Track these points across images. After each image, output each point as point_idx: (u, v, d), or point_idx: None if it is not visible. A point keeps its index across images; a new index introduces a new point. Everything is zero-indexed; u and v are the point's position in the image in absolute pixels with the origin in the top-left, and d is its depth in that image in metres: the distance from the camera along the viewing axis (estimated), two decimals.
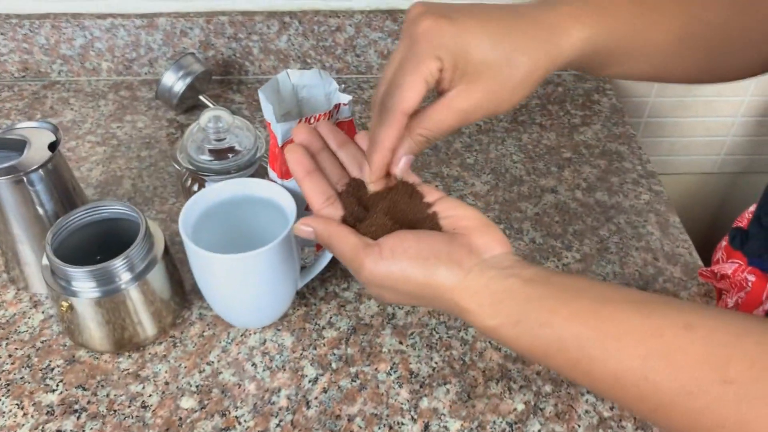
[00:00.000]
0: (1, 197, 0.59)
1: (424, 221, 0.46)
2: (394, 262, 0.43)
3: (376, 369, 0.59)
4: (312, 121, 0.57)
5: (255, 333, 0.62)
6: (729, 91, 1.00)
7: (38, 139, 0.61)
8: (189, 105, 0.87)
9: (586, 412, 0.56)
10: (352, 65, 0.93)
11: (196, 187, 0.66)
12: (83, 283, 0.55)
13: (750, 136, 1.07)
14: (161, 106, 0.88)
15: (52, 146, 0.60)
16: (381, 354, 0.60)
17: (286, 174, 0.60)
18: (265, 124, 0.61)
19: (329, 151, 0.50)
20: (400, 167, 0.47)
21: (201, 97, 0.86)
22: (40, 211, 0.61)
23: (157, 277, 0.59)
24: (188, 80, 0.83)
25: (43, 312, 0.64)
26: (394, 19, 0.88)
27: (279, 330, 0.62)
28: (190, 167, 0.63)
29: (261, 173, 0.66)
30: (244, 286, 0.57)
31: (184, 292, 0.65)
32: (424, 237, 0.44)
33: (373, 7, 0.89)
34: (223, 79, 0.93)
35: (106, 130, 0.84)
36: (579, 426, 0.55)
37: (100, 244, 0.61)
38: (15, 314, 0.63)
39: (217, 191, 0.60)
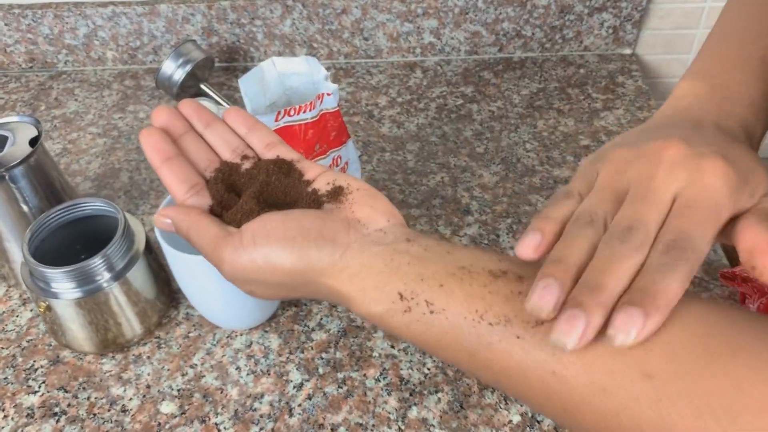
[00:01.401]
0: None
1: (302, 201, 0.41)
2: (256, 249, 0.37)
3: (364, 375, 0.56)
4: (292, 113, 0.53)
5: (241, 335, 0.59)
6: None
7: (20, 134, 0.59)
8: (191, 94, 0.84)
9: None
10: (361, 49, 0.89)
11: None
12: (62, 283, 0.54)
13: None
14: (164, 95, 0.86)
15: (34, 141, 0.59)
16: (371, 359, 0.57)
17: None
18: None
19: (195, 134, 0.44)
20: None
21: (202, 86, 0.83)
22: (25, 208, 0.60)
23: (139, 275, 0.56)
24: (188, 68, 0.80)
25: (31, 310, 0.63)
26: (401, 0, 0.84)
27: (266, 332, 0.59)
28: None
29: None
30: (226, 289, 0.55)
31: (170, 290, 0.62)
32: (292, 216, 0.38)
33: None
34: (228, 66, 0.90)
35: (107, 121, 0.83)
36: None
37: (82, 242, 0.60)
38: (3, 312, 0.62)
39: None
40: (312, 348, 0.58)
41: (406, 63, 0.90)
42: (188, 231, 0.40)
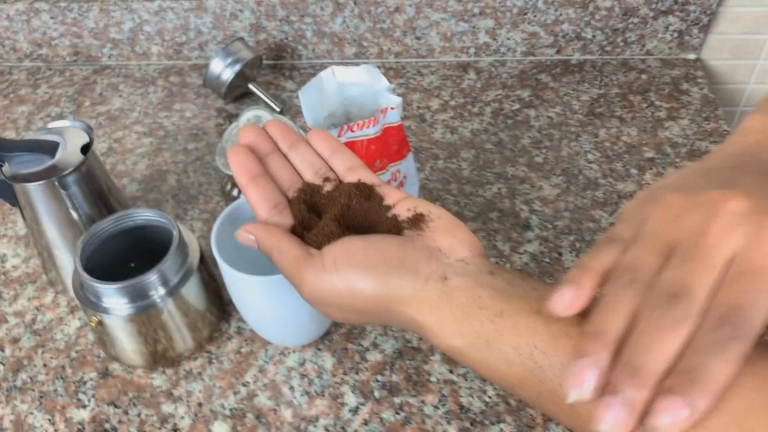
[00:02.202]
0: (35, 201, 0.57)
1: (382, 225, 0.40)
2: (337, 274, 0.37)
3: (422, 401, 0.54)
4: (355, 129, 0.51)
5: (294, 352, 0.57)
6: None
7: (71, 140, 0.58)
8: (239, 93, 0.82)
9: None
10: (413, 48, 0.86)
11: (236, 192, 0.62)
12: (114, 298, 0.52)
13: None
14: (210, 93, 0.84)
15: (86, 148, 0.57)
16: (429, 384, 0.55)
17: None
18: (307, 130, 0.56)
19: (280, 154, 0.44)
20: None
21: (251, 86, 0.81)
22: (74, 215, 0.58)
23: (193, 289, 0.55)
24: (237, 67, 0.78)
25: (79, 318, 0.61)
26: None
27: (320, 350, 0.57)
28: (230, 173, 0.59)
29: None
30: (282, 307, 0.53)
31: (221, 302, 0.61)
32: (374, 242, 0.38)
33: None
34: (275, 64, 0.88)
35: (153, 120, 0.81)
36: None
37: (133, 251, 0.58)
38: (52, 320, 0.61)
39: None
40: (367, 369, 0.56)
41: (459, 63, 0.87)
42: (270, 249, 0.40)
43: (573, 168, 0.72)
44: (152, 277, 0.52)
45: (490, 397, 0.53)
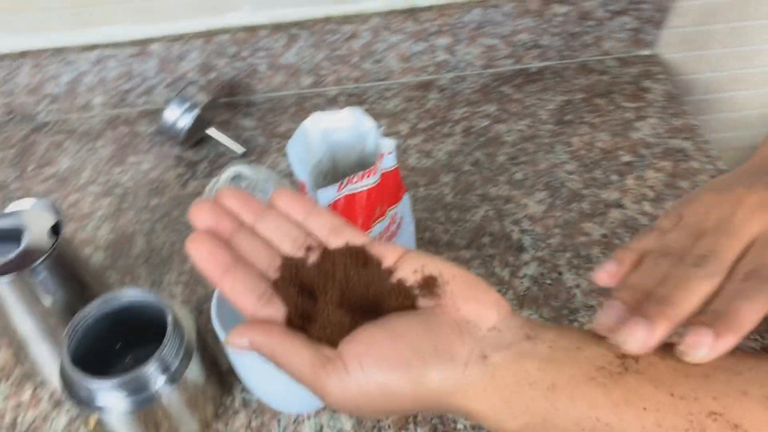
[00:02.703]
0: (3, 296, 0.51)
1: (391, 298, 0.36)
2: (366, 377, 0.32)
3: None
4: (355, 180, 0.48)
5: (308, 418, 0.54)
6: None
7: (36, 222, 0.52)
8: (197, 139, 0.77)
9: None
10: (372, 72, 0.84)
11: None
12: (110, 394, 0.48)
13: None
14: (164, 141, 0.79)
15: (55, 228, 0.52)
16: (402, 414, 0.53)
17: None
18: (299, 185, 0.53)
19: (246, 229, 0.37)
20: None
21: (209, 132, 0.77)
22: (48, 303, 0.53)
23: (194, 370, 0.51)
24: (193, 113, 0.73)
25: (67, 411, 0.56)
26: (415, 19, 0.78)
27: (334, 412, 0.54)
28: None
29: None
30: (294, 383, 0.50)
31: (220, 372, 0.57)
32: (398, 331, 0.34)
33: (389, 8, 0.79)
34: (230, 102, 0.84)
35: (108, 177, 0.76)
36: None
37: (118, 331, 0.54)
38: (35, 419, 0.56)
39: None
40: (389, 427, 0.53)
41: (420, 83, 0.85)
42: (274, 355, 0.34)
43: (554, 181, 0.71)
44: (151, 368, 0.47)
45: None
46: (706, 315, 0.32)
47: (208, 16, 0.77)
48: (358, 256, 0.36)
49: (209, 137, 0.78)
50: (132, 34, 0.77)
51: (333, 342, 0.34)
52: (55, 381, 0.58)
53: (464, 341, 0.34)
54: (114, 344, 0.55)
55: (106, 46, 0.77)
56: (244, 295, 0.35)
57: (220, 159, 0.77)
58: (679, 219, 0.39)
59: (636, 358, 0.32)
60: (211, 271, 0.35)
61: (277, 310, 0.35)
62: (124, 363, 0.57)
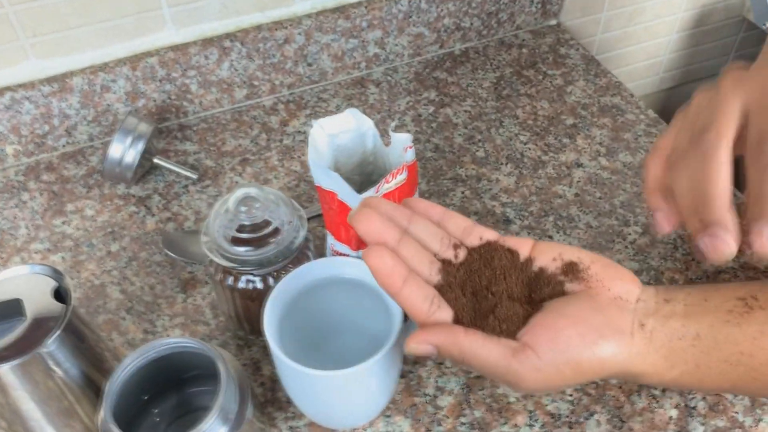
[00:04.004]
0: (6, 382, 0.45)
1: (543, 285, 0.40)
2: (558, 359, 0.37)
3: (515, 425, 0.53)
4: (390, 179, 0.47)
5: (365, 430, 0.53)
6: (665, 11, 1.01)
7: (32, 289, 0.46)
8: (141, 173, 0.72)
9: (735, 395, 0.54)
10: (305, 76, 0.82)
11: (230, 281, 0.54)
12: None
13: (683, 50, 1.09)
14: (102, 181, 0.72)
15: (58, 294, 0.46)
16: (511, 407, 0.54)
17: (360, 244, 0.51)
18: (321, 193, 0.51)
19: (407, 236, 0.40)
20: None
21: (156, 160, 0.71)
22: (62, 381, 0.47)
23: (250, 411, 0.47)
24: (140, 146, 0.68)
25: None
26: (346, 16, 0.78)
27: (389, 416, 0.54)
28: (228, 263, 0.51)
29: (304, 251, 0.55)
30: (348, 397, 0.49)
31: (261, 404, 0.54)
32: (574, 315, 0.38)
33: (319, 8, 0.78)
34: (162, 128, 0.78)
35: (51, 231, 0.68)
36: (738, 413, 0.53)
37: (145, 385, 0.49)
38: None
39: (296, 280, 0.49)
40: (447, 417, 0.53)
41: (353, 80, 0.84)
42: (462, 353, 0.37)
43: (514, 153, 0.74)
44: (212, 422, 0.44)
45: (570, 395, 0.54)
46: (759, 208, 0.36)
47: (130, 39, 0.71)
48: (502, 250, 0.39)
49: (151, 169, 0.73)
50: (49, 70, 0.70)
51: (510, 334, 0.38)
52: None
53: (624, 315, 0.38)
54: (140, 398, 0.50)
55: (19, 87, 0.69)
56: (418, 304, 0.38)
57: (172, 189, 0.72)
58: (682, 124, 0.45)
59: (755, 297, 0.37)
60: (392, 284, 0.37)
61: (444, 312, 0.38)
62: (151, 417, 0.52)
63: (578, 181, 0.71)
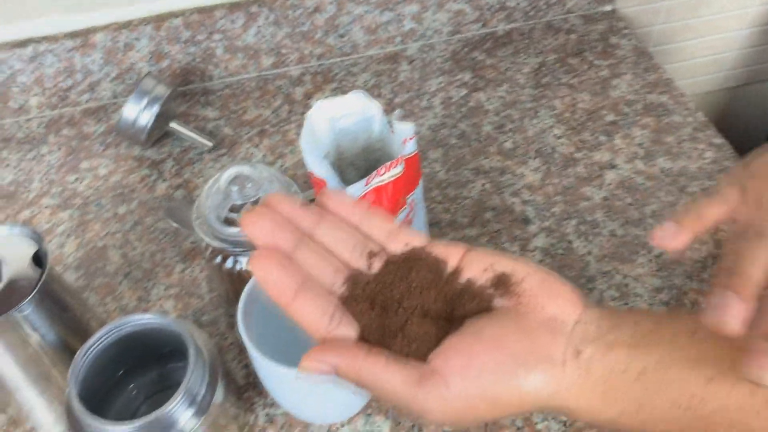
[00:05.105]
0: None
1: (466, 300, 0.34)
2: (470, 390, 0.31)
3: None
4: (383, 172, 0.44)
5: (343, 426, 0.51)
6: (734, 3, 0.92)
7: (12, 251, 0.46)
8: (158, 135, 0.71)
9: None
10: (336, 47, 0.79)
11: (220, 260, 0.53)
12: None
13: (753, 47, 1.00)
14: (120, 141, 0.72)
15: (37, 258, 0.45)
16: (499, 420, 0.51)
17: None
18: (312, 179, 0.48)
19: (306, 240, 0.34)
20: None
21: (172, 125, 0.70)
22: (38, 344, 0.47)
23: (219, 396, 0.46)
24: (155, 109, 0.66)
25: None
26: None
27: (369, 415, 0.51)
28: (219, 244, 0.50)
29: None
30: (323, 395, 0.46)
31: (238, 389, 0.52)
32: (493, 338, 0.32)
33: None
34: (185, 91, 0.77)
35: (63, 187, 0.68)
36: None
37: (121, 359, 0.48)
38: None
39: None
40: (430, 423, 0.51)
41: (386, 55, 0.80)
42: (359, 377, 0.31)
43: (545, 147, 0.70)
44: (177, 403, 0.42)
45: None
46: None
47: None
48: (426, 260, 0.34)
49: (169, 132, 0.71)
50: (71, 25, 0.69)
51: (421, 355, 0.32)
52: (48, 424, 0.51)
53: (557, 340, 0.32)
54: (116, 372, 0.50)
55: (42, 40, 0.69)
56: (314, 318, 0.32)
57: (187, 155, 0.70)
58: (742, 191, 0.40)
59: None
60: (280, 295, 0.32)
61: (348, 329, 0.32)
62: (128, 391, 0.51)
63: (609, 184, 0.66)
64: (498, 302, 0.34)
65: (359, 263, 0.34)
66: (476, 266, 0.34)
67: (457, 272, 0.34)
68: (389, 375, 0.31)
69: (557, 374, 0.32)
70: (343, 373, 0.32)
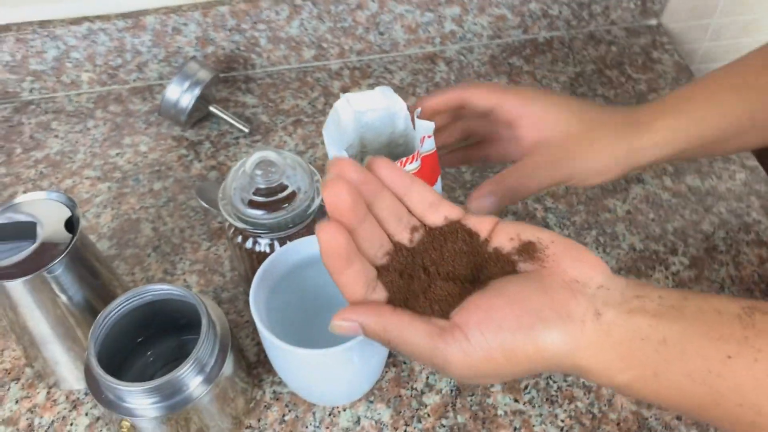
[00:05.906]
0: (17, 298, 0.48)
1: (491, 265, 0.36)
2: (488, 343, 0.33)
3: None
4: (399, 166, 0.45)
5: (344, 409, 0.53)
6: None
7: (48, 216, 0.49)
8: (198, 118, 0.74)
9: None
10: (375, 44, 0.80)
11: (240, 239, 0.55)
12: (143, 399, 0.45)
13: None
14: (162, 120, 0.75)
15: (69, 223, 0.48)
16: (497, 418, 0.52)
17: None
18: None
19: (371, 216, 0.37)
20: (479, 205, 0.45)
21: (212, 108, 0.73)
22: (65, 305, 0.50)
23: (230, 367, 0.48)
24: (196, 92, 0.69)
25: (86, 414, 0.53)
26: None
27: (371, 402, 0.53)
28: (241, 225, 0.52)
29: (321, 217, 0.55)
30: (329, 376, 0.48)
31: (249, 365, 0.55)
32: (513, 295, 0.34)
33: None
34: (227, 78, 0.79)
35: (104, 160, 0.71)
36: None
37: (141, 326, 0.51)
38: (53, 421, 0.53)
39: (285, 257, 0.49)
40: (429, 415, 0.52)
41: (425, 55, 0.82)
42: (386, 332, 0.35)
43: None
44: (187, 369, 0.45)
45: (563, 421, 0.51)
46: None
47: None
48: (460, 233, 0.37)
49: (208, 115, 0.74)
50: (124, 6, 0.72)
51: (443, 314, 0.35)
52: (71, 380, 0.54)
53: (578, 300, 0.34)
54: (135, 339, 0.53)
55: (96, 18, 0.72)
56: (356, 289, 0.35)
57: (224, 138, 0.73)
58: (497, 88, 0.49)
59: (748, 312, 0.32)
60: (335, 264, 0.35)
61: (379, 293, 0.36)
62: (145, 357, 0.54)
63: (634, 198, 0.66)
64: (522, 266, 0.36)
65: (402, 236, 0.37)
66: (504, 235, 0.37)
67: (486, 242, 0.37)
68: (413, 330, 0.34)
69: (575, 332, 0.33)
70: (370, 330, 0.35)
